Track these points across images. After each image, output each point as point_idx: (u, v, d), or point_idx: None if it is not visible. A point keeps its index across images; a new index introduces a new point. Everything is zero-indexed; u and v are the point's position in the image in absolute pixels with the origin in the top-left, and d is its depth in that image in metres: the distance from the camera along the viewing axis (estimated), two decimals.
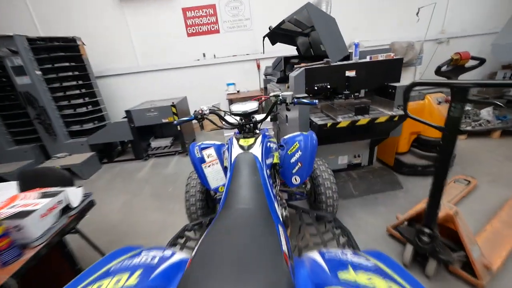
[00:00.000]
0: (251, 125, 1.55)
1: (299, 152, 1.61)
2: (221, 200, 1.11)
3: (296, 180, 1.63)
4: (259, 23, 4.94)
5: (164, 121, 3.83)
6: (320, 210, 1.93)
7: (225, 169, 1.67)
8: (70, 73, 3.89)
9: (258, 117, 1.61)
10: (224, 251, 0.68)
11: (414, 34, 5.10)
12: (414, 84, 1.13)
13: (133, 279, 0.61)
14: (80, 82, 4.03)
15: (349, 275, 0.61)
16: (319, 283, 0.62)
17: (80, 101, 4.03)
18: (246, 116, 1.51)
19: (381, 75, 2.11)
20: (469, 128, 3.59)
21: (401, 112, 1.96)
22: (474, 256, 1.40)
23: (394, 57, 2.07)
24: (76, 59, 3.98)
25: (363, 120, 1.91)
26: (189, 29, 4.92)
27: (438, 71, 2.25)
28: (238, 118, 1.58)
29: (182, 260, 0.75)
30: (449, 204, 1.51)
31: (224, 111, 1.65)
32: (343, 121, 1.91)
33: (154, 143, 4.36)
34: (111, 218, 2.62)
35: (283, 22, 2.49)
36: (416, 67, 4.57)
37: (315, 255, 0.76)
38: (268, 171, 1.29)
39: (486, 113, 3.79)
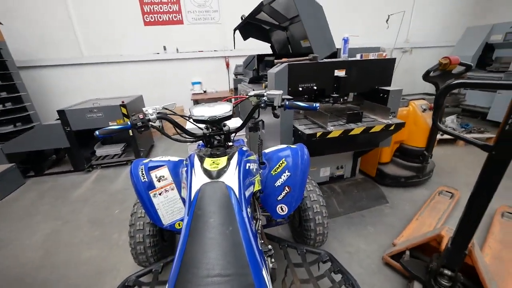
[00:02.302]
0: (222, 136, 1.10)
1: (287, 173, 1.20)
2: (170, 274, 0.64)
3: (282, 210, 1.22)
4: (229, 16, 4.48)
5: (111, 124, 3.10)
6: (308, 239, 1.57)
7: (184, 198, 1.18)
8: None
9: (232, 124, 1.17)
10: None
11: (382, 41, 5.20)
12: (455, 86, 0.83)
13: None
14: None
15: None
16: None
17: None
18: (215, 123, 1.05)
19: (372, 77, 1.85)
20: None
21: (398, 121, 1.70)
22: None
23: (387, 57, 1.82)
24: None
25: (357, 129, 1.60)
26: (146, 17, 4.23)
27: (426, 76, 2.09)
28: (203, 125, 1.12)
29: None
30: None
31: (183, 116, 1.16)
32: (335, 130, 1.57)
33: (100, 151, 3.57)
34: (28, 259, 1.88)
35: (260, 6, 2.09)
36: None
37: None
38: (248, 209, 0.86)
39: (450, 121, 3.92)
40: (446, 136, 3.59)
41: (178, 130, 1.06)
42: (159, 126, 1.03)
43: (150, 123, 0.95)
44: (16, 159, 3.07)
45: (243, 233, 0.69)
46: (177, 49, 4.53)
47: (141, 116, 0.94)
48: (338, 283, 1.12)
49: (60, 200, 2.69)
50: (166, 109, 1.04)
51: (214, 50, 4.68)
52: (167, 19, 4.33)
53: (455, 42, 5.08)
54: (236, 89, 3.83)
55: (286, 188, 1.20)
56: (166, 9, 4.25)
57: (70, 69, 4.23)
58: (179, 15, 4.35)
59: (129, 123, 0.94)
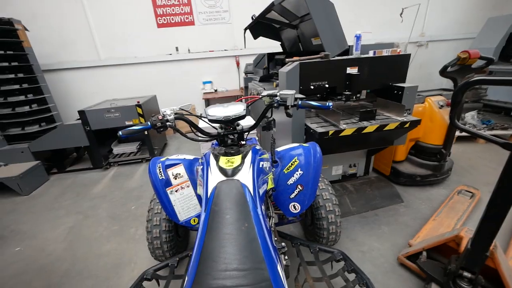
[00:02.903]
0: (236, 135, 1.13)
1: (299, 171, 1.21)
2: (188, 269, 0.67)
3: (295, 208, 1.23)
4: (238, 16, 4.51)
5: (127, 123, 3.23)
6: (320, 238, 1.57)
7: (199, 195, 1.22)
8: (6, 64, 3.14)
9: (245, 123, 1.19)
10: None
11: (395, 36, 5.05)
12: (474, 83, 0.80)
13: None
14: (21, 75, 3.28)
15: None
16: None
17: (21, 98, 3.29)
18: (229, 123, 1.08)
19: (386, 74, 1.81)
20: None
21: (413, 118, 1.66)
22: None
23: (401, 53, 1.78)
24: (15, 47, 3.23)
25: (370, 127, 1.58)
26: (159, 19, 4.33)
27: (443, 71, 2.02)
28: (217, 125, 1.15)
29: None
30: None
31: (198, 116, 1.20)
32: (348, 129, 1.56)
33: (117, 149, 3.72)
34: (52, 250, 2.01)
35: (271, 6, 2.09)
36: None
37: None
38: (263, 206, 0.88)
39: (470, 117, 3.76)
40: (465, 133, 3.45)
41: (194, 130, 1.10)
42: (173, 125, 1.07)
43: (168, 123, 0.99)
44: (41, 157, 3.25)
45: (258, 230, 0.71)
46: (188, 50, 4.61)
47: (160, 117, 0.98)
48: (351, 283, 1.12)
49: (80, 196, 2.84)
50: (183, 109, 1.08)
51: (225, 50, 4.72)
52: (179, 21, 4.41)
53: (475, 34, 4.83)
54: (246, 87, 3.86)
55: (299, 186, 1.21)
56: (178, 11, 4.33)
57: (88, 71, 4.42)
58: (190, 17, 4.42)
59: (149, 123, 0.98)
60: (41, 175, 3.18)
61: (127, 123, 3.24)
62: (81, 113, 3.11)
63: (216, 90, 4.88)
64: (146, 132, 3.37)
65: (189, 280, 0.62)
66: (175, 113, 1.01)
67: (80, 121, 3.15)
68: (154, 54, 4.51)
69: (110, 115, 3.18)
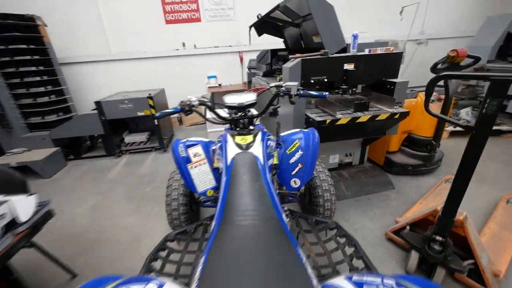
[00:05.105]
0: (246, 120, 1.34)
1: (300, 152, 1.43)
2: (216, 212, 0.89)
3: (295, 183, 1.45)
4: (243, 13, 4.69)
5: (139, 114, 3.46)
6: (317, 214, 1.79)
7: (214, 170, 1.44)
8: (29, 57, 3.36)
9: (254, 111, 1.41)
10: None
11: (395, 33, 5.19)
12: (442, 77, 1.00)
13: None
14: (41, 68, 3.50)
15: None
16: None
17: (42, 89, 3.51)
18: (242, 109, 1.29)
19: (379, 70, 2.00)
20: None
21: (402, 110, 1.86)
22: (484, 264, 1.33)
23: (394, 51, 1.97)
24: (36, 42, 3.44)
25: (363, 117, 1.79)
26: (167, 16, 4.52)
27: (434, 68, 2.20)
28: (231, 111, 1.36)
29: None
30: None
31: (214, 103, 1.41)
32: (343, 118, 1.76)
33: (128, 138, 3.95)
34: (78, 224, 2.27)
35: (276, 8, 2.28)
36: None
37: (341, 282, 0.61)
38: (270, 174, 1.10)
39: (465, 113, 3.94)
40: (458, 128, 3.64)
41: (213, 115, 1.32)
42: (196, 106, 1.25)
43: (193, 108, 1.21)
44: (60, 143, 3.50)
45: (267, 188, 0.93)
46: (194, 45, 4.80)
47: (187, 102, 1.21)
48: (342, 244, 1.34)
49: (98, 180, 3.08)
50: (204, 98, 1.30)
51: (229, 46, 4.91)
52: (186, 17, 4.60)
53: (474, 33, 4.96)
54: (249, 82, 4.06)
55: (299, 164, 1.42)
56: (185, 8, 4.52)
57: (101, 65, 4.63)
58: (197, 13, 4.60)
59: (179, 107, 1.21)
60: (61, 160, 3.42)
61: (139, 113, 3.47)
62: (98, 103, 3.34)
63: (220, 85, 5.06)
64: (156, 123, 3.59)
65: (217, 220, 0.84)
66: (199, 100, 1.23)
67: (96, 111, 3.38)
68: (162, 50, 4.71)
69: (123, 106, 3.40)
